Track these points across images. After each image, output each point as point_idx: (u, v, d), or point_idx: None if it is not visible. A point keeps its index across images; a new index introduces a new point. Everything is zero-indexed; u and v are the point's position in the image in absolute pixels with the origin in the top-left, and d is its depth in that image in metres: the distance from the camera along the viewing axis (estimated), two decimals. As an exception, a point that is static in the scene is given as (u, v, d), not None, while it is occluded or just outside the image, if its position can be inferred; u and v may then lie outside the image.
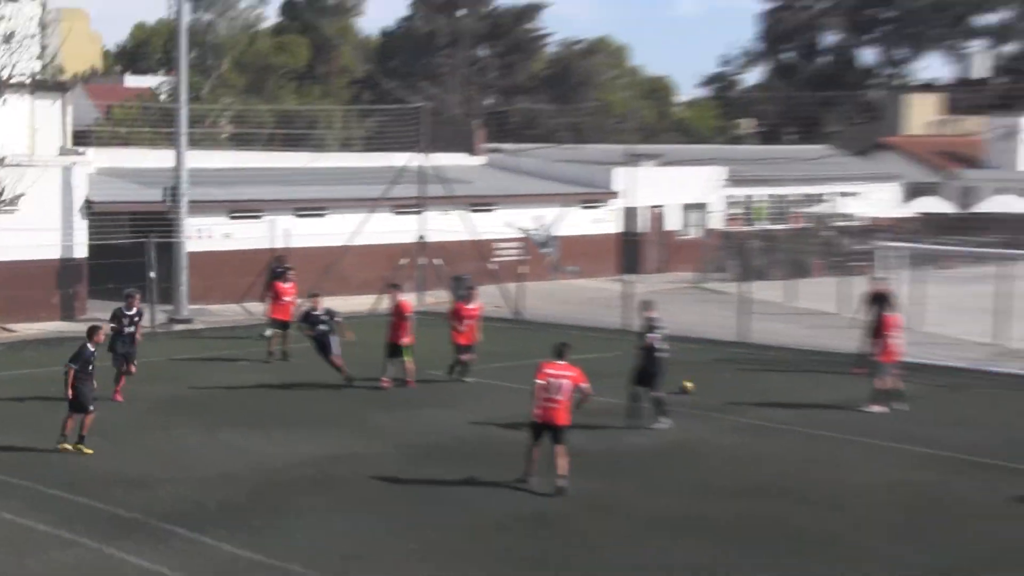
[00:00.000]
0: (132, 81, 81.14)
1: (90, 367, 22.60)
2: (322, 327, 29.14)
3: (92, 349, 22.73)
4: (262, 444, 23.10)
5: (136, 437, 24.08)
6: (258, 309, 40.99)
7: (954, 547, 17.41)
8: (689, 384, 27.67)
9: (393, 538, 17.55)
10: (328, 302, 36.18)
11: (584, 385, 19.79)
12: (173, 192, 42.22)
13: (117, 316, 27.56)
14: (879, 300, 29.82)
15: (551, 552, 17.04)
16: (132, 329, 27.47)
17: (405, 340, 28.87)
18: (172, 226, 42.30)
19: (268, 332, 33.71)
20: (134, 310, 27.82)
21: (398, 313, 29.13)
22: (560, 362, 20.07)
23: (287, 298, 33.49)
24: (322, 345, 29.18)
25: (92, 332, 23.25)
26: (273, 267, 36.75)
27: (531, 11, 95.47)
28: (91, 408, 22.36)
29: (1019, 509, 19.35)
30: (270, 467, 21.43)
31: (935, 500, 19.82)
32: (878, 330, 27.25)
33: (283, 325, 33.02)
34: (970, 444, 23.38)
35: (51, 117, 42.07)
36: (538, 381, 19.74)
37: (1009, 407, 27.20)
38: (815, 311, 41.77)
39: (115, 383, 26.47)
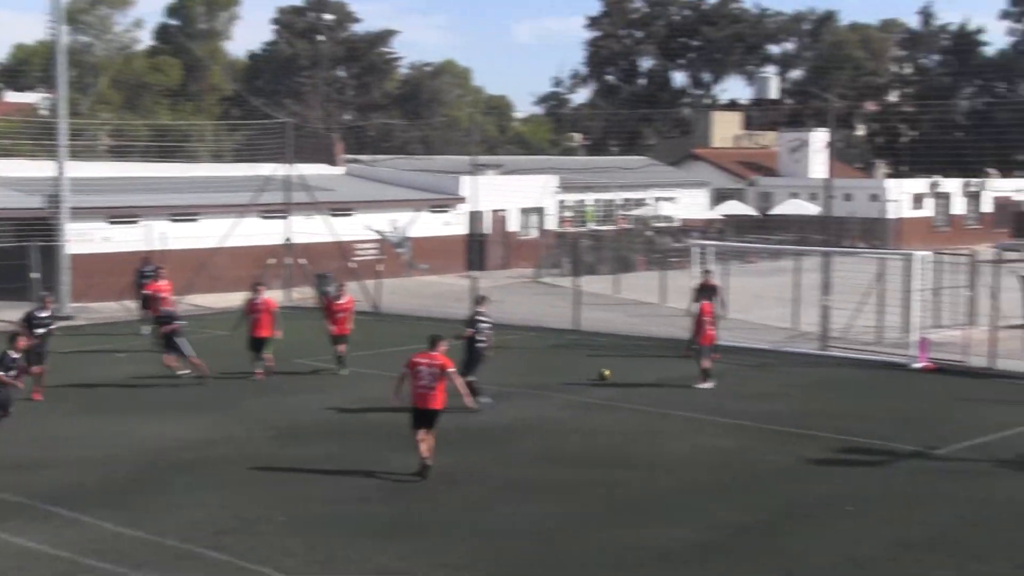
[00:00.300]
0: (12, 97, 79.77)
1: (12, 372, 21.31)
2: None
3: (14, 356, 21.07)
4: (141, 429, 22.62)
5: (19, 425, 23.37)
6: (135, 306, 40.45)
7: (756, 504, 17.72)
8: (607, 372, 27.67)
9: (263, 512, 17.29)
10: (202, 299, 35.70)
11: (452, 370, 19.45)
12: (54, 199, 41.30)
13: (29, 318, 25.85)
14: (706, 291, 30.29)
15: (408, 518, 16.96)
16: (44, 330, 25.63)
17: (267, 334, 28.51)
18: (54, 230, 41.37)
19: (144, 330, 33.17)
20: (47, 312, 26.28)
21: (262, 309, 28.68)
22: (432, 352, 19.40)
23: (162, 295, 32.50)
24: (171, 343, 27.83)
25: (14, 338, 22.09)
26: (139, 269, 36.17)
27: (384, 36, 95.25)
28: (9, 410, 21.10)
29: (809, 469, 19.79)
30: (148, 450, 20.99)
31: (741, 464, 20.15)
32: (699, 317, 27.65)
33: (159, 321, 32.29)
34: (769, 414, 23.86)
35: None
36: (411, 370, 19.17)
37: (802, 382, 27.79)
38: (639, 301, 42.21)
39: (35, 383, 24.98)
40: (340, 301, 29.20)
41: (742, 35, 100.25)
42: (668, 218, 63.55)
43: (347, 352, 28.62)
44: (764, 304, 37.83)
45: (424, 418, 19.14)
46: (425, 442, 19.07)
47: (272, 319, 28.58)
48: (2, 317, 40.37)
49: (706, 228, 60.86)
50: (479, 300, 26.01)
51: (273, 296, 44.09)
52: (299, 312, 41.04)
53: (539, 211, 60.18)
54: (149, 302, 32.93)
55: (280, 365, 28.69)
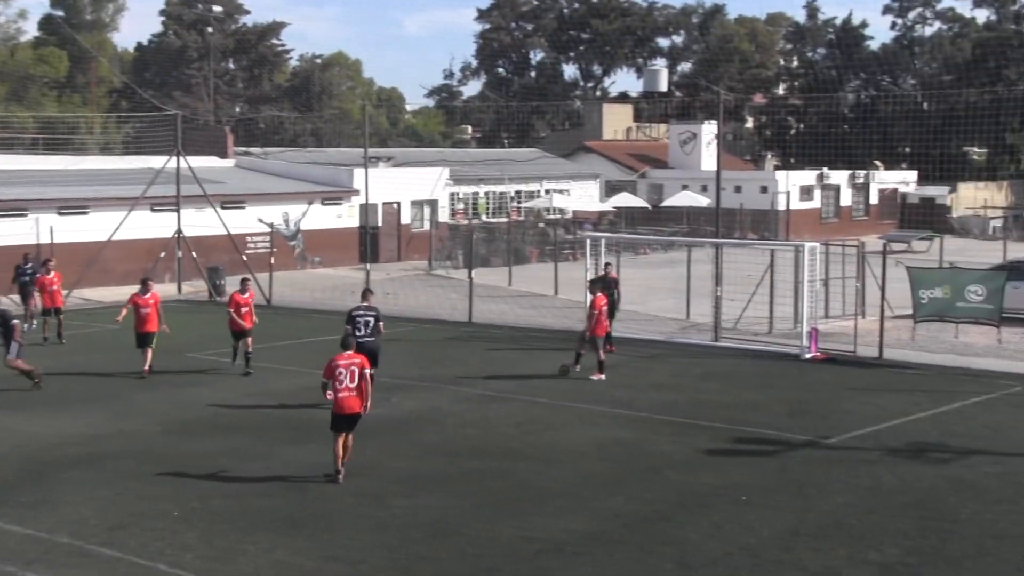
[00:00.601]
0: None
1: None
2: None
3: None
4: (28, 425, 22.15)
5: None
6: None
7: (650, 494, 17.82)
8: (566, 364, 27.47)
9: (157, 507, 17.04)
10: (92, 293, 35.13)
11: (370, 371, 19.05)
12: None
13: None
14: (606, 283, 30.41)
15: (304, 512, 16.82)
16: None
17: (154, 328, 28.03)
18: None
19: (35, 323, 32.94)
20: None
21: (152, 304, 28.19)
22: (349, 352, 18.78)
23: (53, 287, 32.62)
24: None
25: None
26: (18, 265, 35.59)
27: (274, 28, 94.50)
28: None
29: (703, 459, 19.95)
30: (36, 446, 20.58)
31: (635, 454, 20.26)
32: (591, 309, 27.74)
33: (55, 312, 32.47)
34: (663, 405, 24.04)
35: None
36: (333, 375, 18.33)
37: (694, 372, 28.03)
38: (532, 293, 42.33)
39: None
40: (244, 296, 28.32)
41: (631, 28, 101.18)
42: (561, 210, 63.75)
43: (251, 346, 27.80)
44: (657, 295, 38.18)
45: (348, 422, 18.54)
46: (350, 446, 18.68)
47: (159, 314, 28.22)
48: None
49: (598, 220, 61.26)
50: (364, 294, 25.84)
51: (165, 290, 43.71)
52: (191, 306, 40.66)
53: (432, 203, 60.11)
54: (42, 294, 32.99)
55: (172, 360, 28.32)
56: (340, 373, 18.32)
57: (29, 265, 35.47)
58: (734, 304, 32.20)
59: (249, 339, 27.71)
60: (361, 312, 24.63)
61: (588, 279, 31.17)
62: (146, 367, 27.37)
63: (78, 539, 15.66)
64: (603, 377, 26.54)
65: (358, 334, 23.81)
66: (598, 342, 27.00)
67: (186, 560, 14.86)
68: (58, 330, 32.17)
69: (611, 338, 29.50)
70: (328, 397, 18.51)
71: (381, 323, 24.86)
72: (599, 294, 27.62)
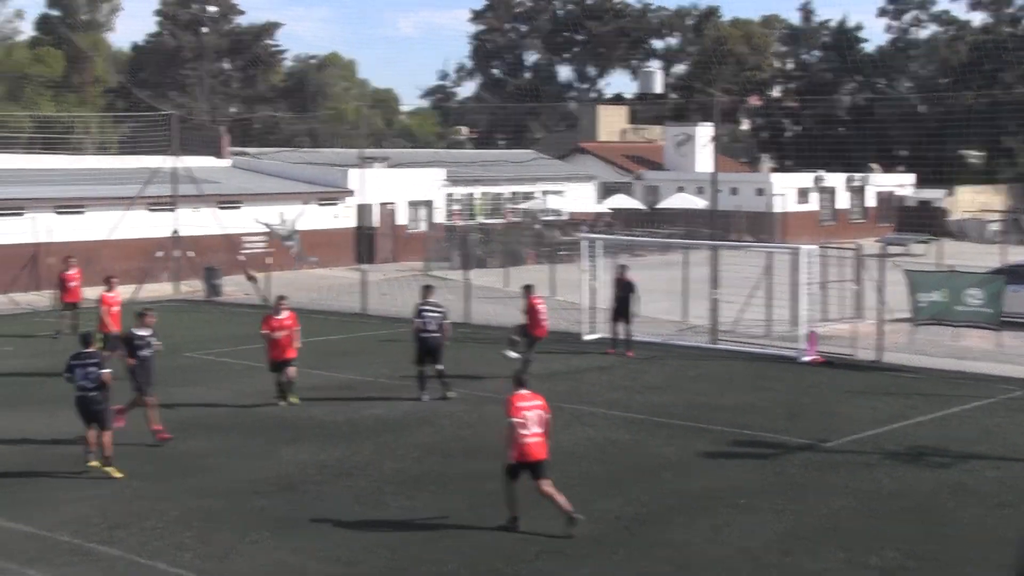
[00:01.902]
0: None
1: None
2: None
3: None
4: (29, 424, 22.11)
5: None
6: (24, 299, 39.96)
7: (648, 496, 17.79)
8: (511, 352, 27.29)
9: (156, 506, 17.05)
10: (89, 292, 35.06)
11: (439, 366, 17.98)
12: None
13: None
14: (623, 286, 30.48)
15: (302, 512, 16.81)
16: None
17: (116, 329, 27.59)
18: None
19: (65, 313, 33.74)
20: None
21: (108, 304, 28.06)
22: (525, 391, 16.42)
23: (73, 283, 33.61)
24: None
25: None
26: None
27: (268, 29, 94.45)
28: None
29: (701, 462, 19.92)
30: (37, 444, 20.59)
31: (632, 456, 20.23)
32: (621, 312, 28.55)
33: (73, 306, 33.42)
34: (661, 407, 24.01)
35: None
36: (515, 419, 15.94)
37: (692, 375, 28.02)
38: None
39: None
40: (279, 316, 24.11)
41: (626, 30, 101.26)
42: (556, 212, 63.77)
43: (296, 377, 24.20)
44: (653, 297, 38.01)
45: (531, 469, 16.04)
46: (552, 492, 15.98)
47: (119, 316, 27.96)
48: None
49: (594, 222, 61.23)
50: (426, 291, 25.54)
51: (162, 289, 43.74)
52: (187, 305, 40.66)
53: (427, 204, 60.14)
54: (60, 291, 34.31)
55: (170, 359, 28.25)
56: (525, 417, 15.98)
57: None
58: (731, 307, 32.20)
59: (291, 369, 24.01)
60: (428, 308, 24.74)
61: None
62: None
63: (78, 537, 15.67)
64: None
65: (428, 328, 24.34)
66: (535, 342, 27.05)
67: (185, 559, 14.87)
68: (74, 323, 32.05)
69: (631, 343, 30.11)
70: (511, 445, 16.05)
71: (447, 322, 25.09)
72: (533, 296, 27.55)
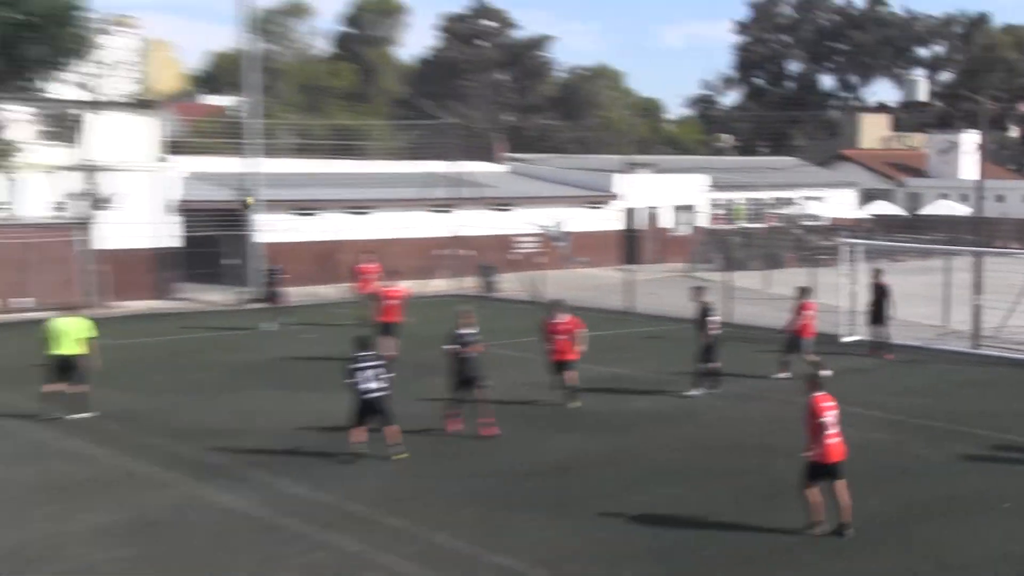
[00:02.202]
0: (210, 100, 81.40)
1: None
2: None
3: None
4: (326, 404, 22.96)
5: (221, 399, 24.25)
6: (321, 292, 41.57)
7: (907, 496, 17.28)
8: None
9: (439, 485, 17.60)
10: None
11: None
12: (245, 192, 42.57)
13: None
14: (878, 290, 29.93)
15: (569, 495, 17.05)
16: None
17: (397, 319, 28.55)
18: (243, 221, 42.64)
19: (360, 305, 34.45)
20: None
21: (389, 297, 28.99)
22: (823, 393, 15.35)
23: (369, 276, 34.19)
24: None
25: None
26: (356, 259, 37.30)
27: (542, 42, 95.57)
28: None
29: (963, 465, 19.15)
30: (331, 424, 21.38)
31: (891, 456, 19.66)
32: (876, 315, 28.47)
33: (370, 298, 33.02)
34: (921, 410, 23.28)
35: (145, 130, 42.29)
36: (823, 419, 15.07)
37: (954, 380, 27.05)
38: (789, 297, 41.50)
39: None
40: (557, 320, 23.23)
41: (891, 39, 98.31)
42: (816, 217, 62.62)
43: (576, 380, 23.34)
44: (913, 302, 36.98)
45: (832, 471, 15.24)
46: (842, 496, 15.27)
47: (401, 307, 28.72)
48: (198, 298, 41.78)
49: (855, 227, 59.81)
50: (697, 292, 25.53)
51: (439, 285, 44.90)
52: (464, 300, 41.54)
53: (691, 208, 59.88)
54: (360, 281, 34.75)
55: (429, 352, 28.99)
56: (828, 417, 15.16)
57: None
58: (995, 313, 30.97)
59: (570, 373, 23.19)
60: (711, 310, 24.90)
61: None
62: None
63: (369, 508, 16.27)
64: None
65: (713, 328, 24.60)
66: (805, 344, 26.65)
67: (464, 533, 15.26)
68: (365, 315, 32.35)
69: (887, 344, 29.53)
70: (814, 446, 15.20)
71: (717, 317, 25.24)
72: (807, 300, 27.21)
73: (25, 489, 17.46)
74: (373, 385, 18.76)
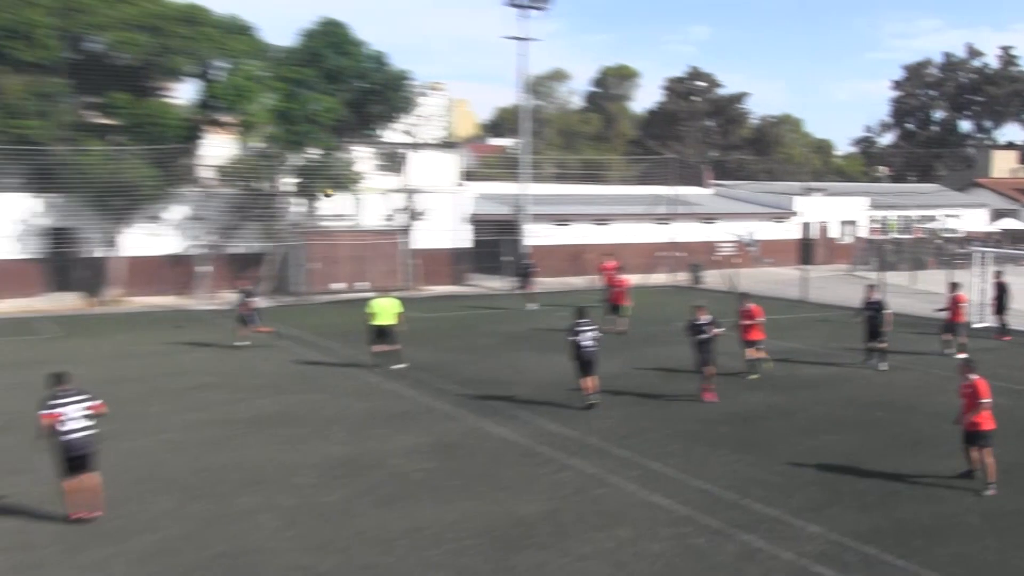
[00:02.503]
0: (494, 142, 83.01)
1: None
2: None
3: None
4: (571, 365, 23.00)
5: (502, 357, 24.56)
6: (573, 281, 41.54)
7: (1028, 450, 16.05)
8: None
9: (655, 426, 17.36)
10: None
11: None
12: (518, 208, 43.01)
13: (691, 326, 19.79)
14: (1000, 287, 28.11)
15: (753, 437, 16.55)
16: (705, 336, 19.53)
17: (624, 302, 28.39)
18: (517, 229, 43.09)
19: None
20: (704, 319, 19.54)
21: (615, 285, 28.79)
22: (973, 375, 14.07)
23: (611, 272, 32.00)
24: None
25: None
26: (602, 263, 36.34)
27: (740, 96, 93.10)
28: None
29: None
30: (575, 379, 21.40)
31: (1015, 417, 18.28)
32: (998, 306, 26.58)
33: (609, 288, 31.84)
34: (1038, 383, 21.61)
35: (448, 164, 43.31)
36: (987, 399, 13.87)
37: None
38: (930, 292, 39.31)
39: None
40: (746, 307, 21.78)
41: (1020, 92, 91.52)
42: (953, 230, 59.02)
43: (756, 354, 21.85)
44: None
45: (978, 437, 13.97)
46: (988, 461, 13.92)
47: (627, 293, 28.59)
48: (482, 285, 42.54)
49: (985, 238, 55.97)
50: (870, 289, 23.37)
51: (659, 279, 44.37)
52: (676, 290, 41.02)
53: (853, 223, 57.34)
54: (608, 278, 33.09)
55: (663, 327, 28.67)
56: (989, 397, 13.97)
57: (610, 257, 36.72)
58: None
59: (751, 350, 21.77)
60: (875, 302, 22.84)
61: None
62: (618, 328, 27.83)
63: (601, 441, 16.20)
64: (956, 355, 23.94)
65: (879, 311, 22.60)
66: (958, 328, 24.83)
67: (673, 462, 15.03)
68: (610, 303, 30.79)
69: (1007, 329, 27.54)
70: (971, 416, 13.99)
71: (889, 312, 23.15)
72: (960, 293, 25.37)
73: (361, 416, 18.15)
74: (589, 343, 18.49)
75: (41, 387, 12.63)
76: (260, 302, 27.48)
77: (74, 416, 12.05)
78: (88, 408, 12.18)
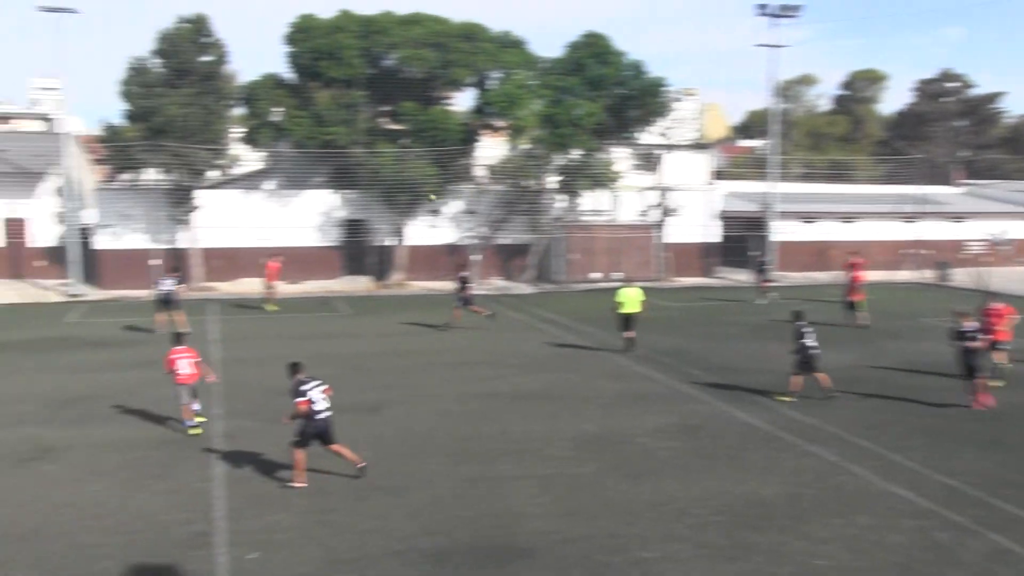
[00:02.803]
0: (744, 143, 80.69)
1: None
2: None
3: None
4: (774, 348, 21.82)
5: (732, 343, 23.74)
6: (817, 276, 39.79)
7: None
8: None
9: (895, 419, 16.10)
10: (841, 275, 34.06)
11: None
12: (766, 205, 41.63)
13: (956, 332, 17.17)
14: None
15: (1001, 436, 14.90)
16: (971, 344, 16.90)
17: (857, 297, 26.89)
18: (765, 226, 41.76)
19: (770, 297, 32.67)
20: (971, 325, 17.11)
21: (854, 279, 27.32)
22: None
23: (855, 267, 28.39)
24: None
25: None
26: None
27: (994, 96, 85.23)
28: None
29: None
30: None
31: None
32: None
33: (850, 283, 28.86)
34: None
35: (700, 164, 42.59)
36: None
37: None
38: None
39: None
40: (992, 307, 19.25)
41: None
42: None
43: (1000, 357, 19.02)
44: None
45: None
46: None
47: (861, 288, 27.14)
48: (729, 278, 41.52)
49: None
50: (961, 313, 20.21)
51: (905, 275, 41.54)
52: (918, 287, 38.30)
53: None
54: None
55: (901, 322, 26.78)
56: None
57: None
58: None
59: (998, 353, 18.92)
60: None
61: None
62: (859, 321, 26.40)
63: (842, 430, 15.22)
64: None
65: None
66: None
67: (915, 456, 13.85)
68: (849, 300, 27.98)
69: None
70: None
71: None
72: None
73: (612, 395, 18.11)
74: (814, 343, 17.25)
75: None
76: (475, 288, 28.04)
77: (318, 399, 12.41)
78: (324, 392, 12.53)
